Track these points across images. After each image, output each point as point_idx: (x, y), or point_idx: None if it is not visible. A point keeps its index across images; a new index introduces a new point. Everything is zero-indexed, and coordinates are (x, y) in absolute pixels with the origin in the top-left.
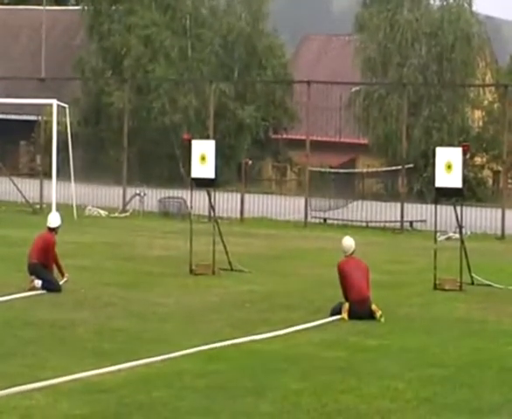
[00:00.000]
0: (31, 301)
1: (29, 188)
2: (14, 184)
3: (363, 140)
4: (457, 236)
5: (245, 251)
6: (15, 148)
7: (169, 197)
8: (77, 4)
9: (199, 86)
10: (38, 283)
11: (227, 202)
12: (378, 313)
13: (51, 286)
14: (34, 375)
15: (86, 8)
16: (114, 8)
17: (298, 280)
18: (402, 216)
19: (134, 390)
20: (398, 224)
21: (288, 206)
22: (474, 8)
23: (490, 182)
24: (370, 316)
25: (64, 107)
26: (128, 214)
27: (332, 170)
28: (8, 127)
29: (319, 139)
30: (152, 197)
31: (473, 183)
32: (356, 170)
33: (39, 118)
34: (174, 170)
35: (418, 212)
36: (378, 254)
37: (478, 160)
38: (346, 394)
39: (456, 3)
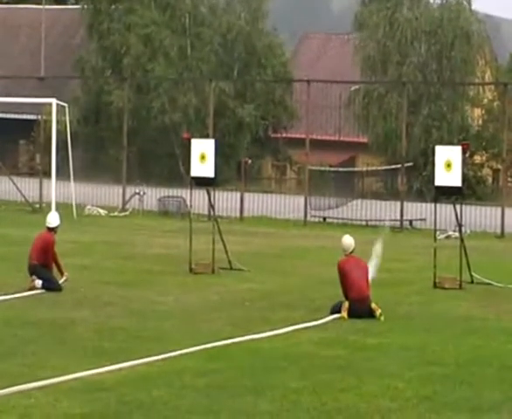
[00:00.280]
0: (30, 300)
1: (28, 187)
2: (13, 183)
3: (363, 139)
4: (457, 234)
5: (245, 250)
6: (14, 147)
7: (168, 196)
8: (76, 3)
9: (199, 85)
10: (39, 283)
11: (227, 201)
12: (378, 312)
13: (51, 286)
14: (34, 374)
15: (85, 7)
16: (113, 7)
17: (298, 279)
18: (402, 215)
19: (135, 389)
20: (398, 223)
21: (288, 205)
22: (474, 6)
23: (490, 180)
24: (370, 314)
25: (63, 106)
26: (127, 213)
27: (332, 169)
28: (7, 126)
29: (318, 137)
30: (152, 196)
31: (473, 182)
32: (356, 169)
33: (39, 117)
34: (173, 169)
35: (417, 211)
36: None
37: (478, 158)
38: (346, 392)
39: (455, 2)
